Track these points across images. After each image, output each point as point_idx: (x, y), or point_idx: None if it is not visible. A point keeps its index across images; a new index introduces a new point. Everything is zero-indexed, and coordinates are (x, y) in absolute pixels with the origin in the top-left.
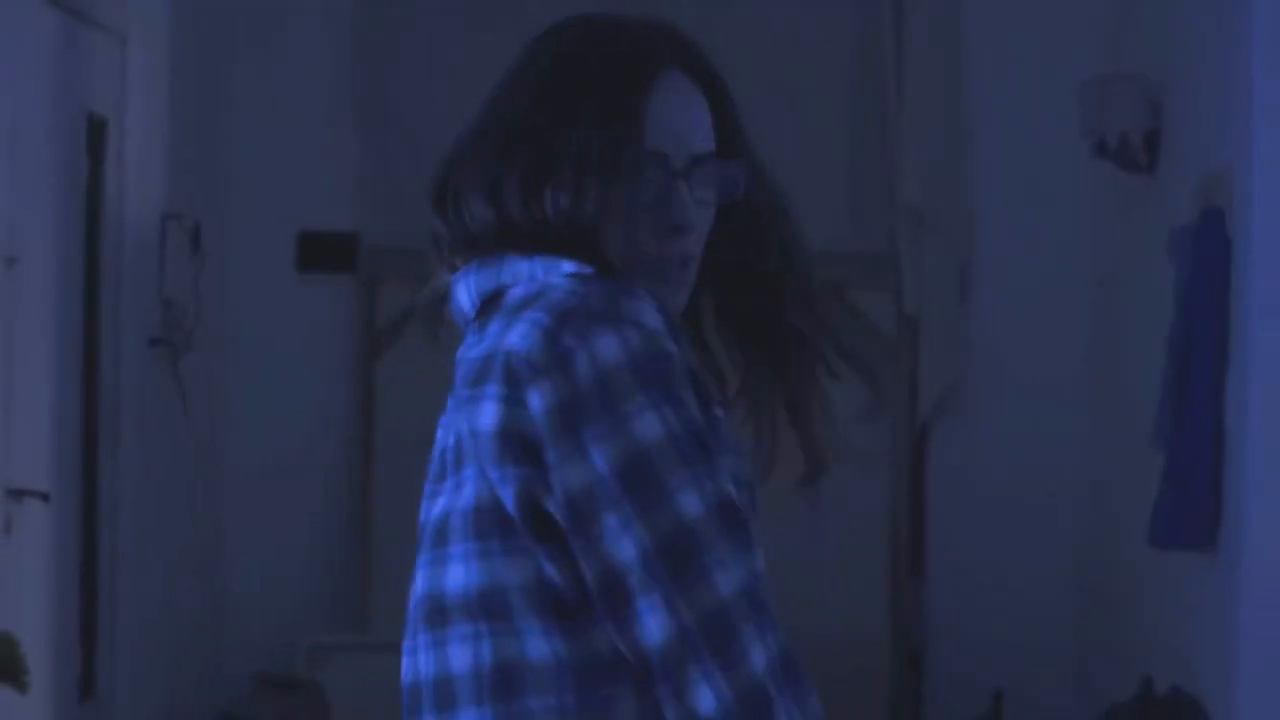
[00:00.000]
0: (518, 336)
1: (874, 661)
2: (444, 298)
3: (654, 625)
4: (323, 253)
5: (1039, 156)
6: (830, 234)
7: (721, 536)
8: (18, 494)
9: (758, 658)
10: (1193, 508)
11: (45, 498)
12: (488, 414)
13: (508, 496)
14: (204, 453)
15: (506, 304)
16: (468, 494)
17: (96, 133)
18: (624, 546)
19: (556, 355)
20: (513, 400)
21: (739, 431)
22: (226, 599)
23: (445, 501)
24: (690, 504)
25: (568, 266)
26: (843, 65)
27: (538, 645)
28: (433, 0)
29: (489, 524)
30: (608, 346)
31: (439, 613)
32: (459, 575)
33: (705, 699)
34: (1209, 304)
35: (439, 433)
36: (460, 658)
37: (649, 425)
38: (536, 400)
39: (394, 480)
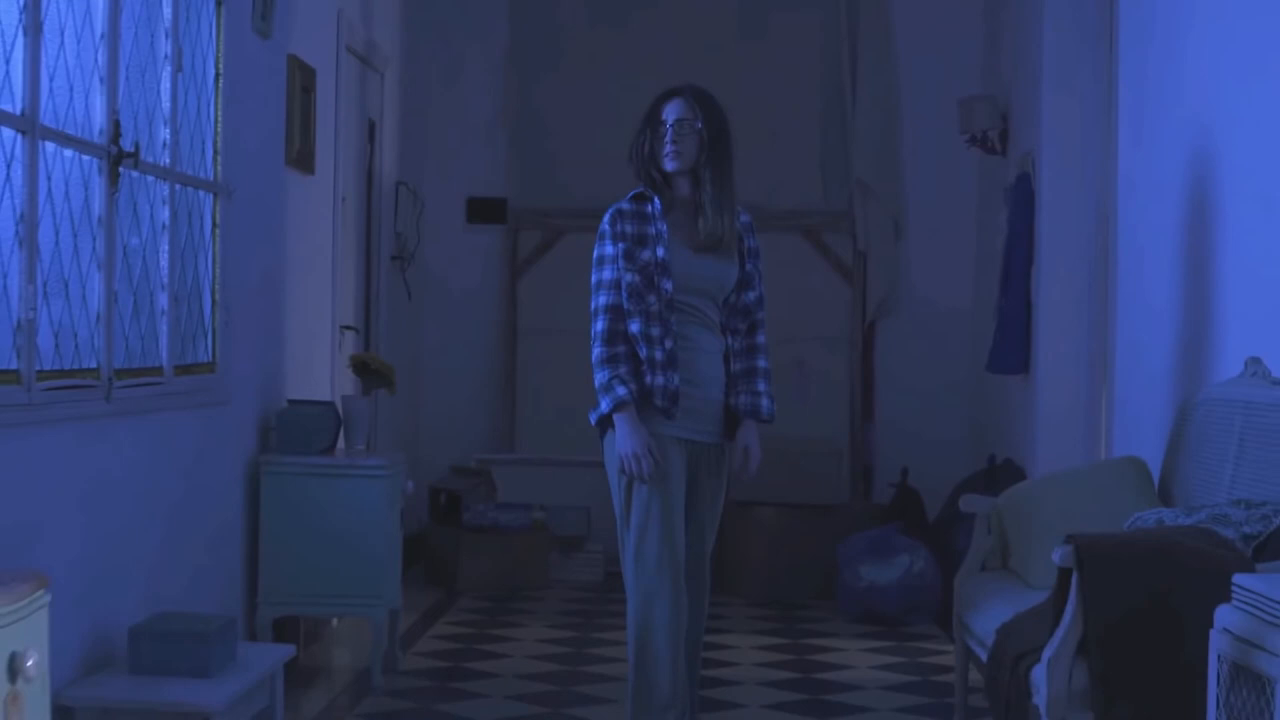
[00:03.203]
0: None
1: (840, 468)
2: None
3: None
4: (484, 211)
5: (939, 147)
6: (809, 197)
7: (606, 287)
8: (344, 328)
9: (598, 323)
10: (1013, 348)
11: (356, 330)
12: None
13: None
14: (414, 324)
15: None
16: None
17: (371, 130)
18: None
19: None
20: None
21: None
22: (423, 424)
23: None
24: (596, 279)
25: (631, 193)
26: (816, 90)
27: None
28: (559, 47)
29: None
30: (602, 224)
31: None
32: None
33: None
34: (1022, 228)
35: None
36: None
37: (599, 250)
38: None
39: (529, 355)
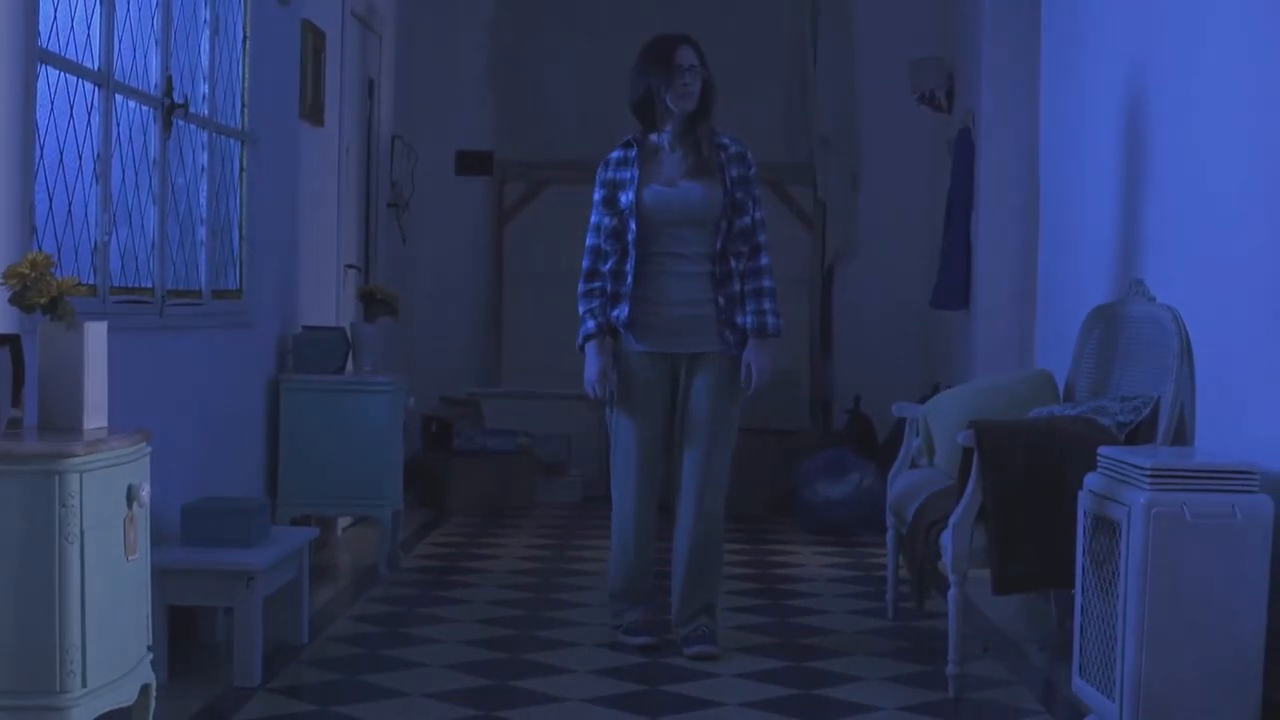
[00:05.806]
0: None
1: (801, 397)
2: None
3: None
4: (472, 163)
5: (892, 104)
6: (774, 151)
7: (591, 230)
8: (348, 267)
9: (584, 261)
10: (954, 286)
11: (358, 268)
12: None
13: None
14: (409, 267)
15: None
16: None
17: (370, 88)
18: None
19: None
20: None
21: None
22: (415, 359)
23: None
24: (591, 220)
25: (627, 138)
26: (782, 51)
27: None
28: (541, 10)
29: None
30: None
31: None
32: None
33: None
34: (963, 177)
35: None
36: None
37: (593, 196)
38: None
39: (514, 297)
